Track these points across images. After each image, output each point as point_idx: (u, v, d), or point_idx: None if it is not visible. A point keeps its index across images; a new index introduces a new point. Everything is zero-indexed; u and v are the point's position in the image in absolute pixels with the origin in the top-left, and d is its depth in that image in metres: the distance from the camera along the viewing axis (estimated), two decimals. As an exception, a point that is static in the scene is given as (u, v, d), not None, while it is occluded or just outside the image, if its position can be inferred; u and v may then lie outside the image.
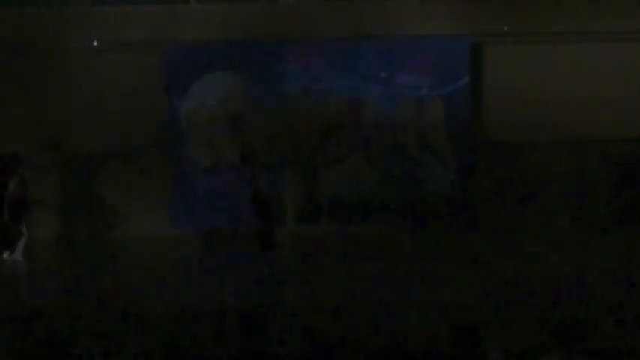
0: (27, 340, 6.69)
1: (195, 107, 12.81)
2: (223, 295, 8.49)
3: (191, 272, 10.34)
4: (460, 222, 12.61)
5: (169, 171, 12.80)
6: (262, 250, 10.47)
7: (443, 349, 6.32)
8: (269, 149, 12.80)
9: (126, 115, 12.63)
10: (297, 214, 12.71)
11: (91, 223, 12.59)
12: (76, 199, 12.79)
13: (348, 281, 9.38)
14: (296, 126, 12.78)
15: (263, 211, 10.61)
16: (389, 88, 12.79)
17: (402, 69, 12.79)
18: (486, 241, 11.79)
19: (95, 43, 12.79)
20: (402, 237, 12.08)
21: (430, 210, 12.68)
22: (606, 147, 12.90)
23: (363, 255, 10.99)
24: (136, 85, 12.64)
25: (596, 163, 12.90)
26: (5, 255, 10.85)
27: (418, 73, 12.79)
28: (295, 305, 7.97)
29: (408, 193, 12.76)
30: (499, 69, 12.89)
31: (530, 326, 7.00)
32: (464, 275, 9.51)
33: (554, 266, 9.96)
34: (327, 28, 12.76)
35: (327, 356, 6.26)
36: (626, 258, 10.40)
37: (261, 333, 6.76)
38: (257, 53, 12.71)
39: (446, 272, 9.73)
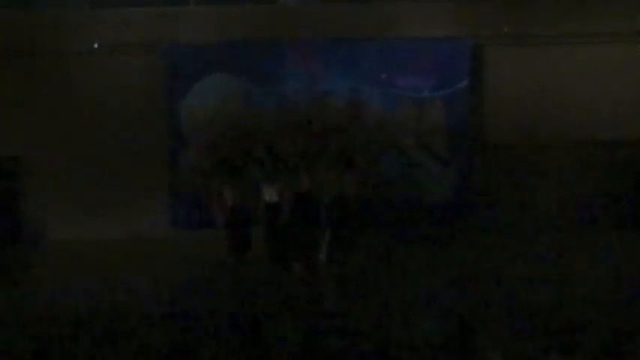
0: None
1: (196, 109, 12.80)
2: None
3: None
4: (459, 223, 12.61)
5: (170, 171, 12.82)
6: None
7: (442, 350, 6.33)
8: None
9: (125, 117, 12.71)
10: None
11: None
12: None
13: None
14: (295, 127, 12.76)
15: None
16: (389, 89, 12.78)
17: (402, 71, 12.79)
18: (485, 241, 11.79)
19: (95, 46, 12.80)
20: (401, 239, 12.08)
21: (430, 211, 12.70)
22: (607, 148, 12.89)
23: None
24: (136, 86, 12.70)
25: (596, 164, 12.89)
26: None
27: (418, 75, 12.78)
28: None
29: (407, 194, 12.78)
30: (499, 70, 12.89)
31: (529, 327, 7.01)
32: (463, 276, 9.51)
33: (553, 267, 9.96)
34: (326, 30, 12.77)
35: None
36: (626, 259, 10.42)
37: None
38: (257, 54, 12.72)
39: (445, 273, 9.73)
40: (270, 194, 10.30)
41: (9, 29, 12.68)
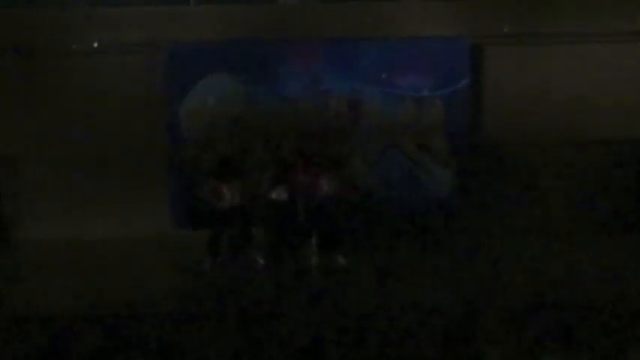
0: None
1: (196, 108, 12.79)
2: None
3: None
4: (459, 224, 12.59)
5: (169, 172, 12.80)
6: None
7: (441, 349, 6.33)
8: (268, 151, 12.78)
9: (125, 117, 12.70)
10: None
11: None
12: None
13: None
14: (296, 127, 12.74)
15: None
16: (389, 89, 12.77)
17: (402, 70, 12.77)
18: (485, 242, 11.79)
19: (95, 45, 12.80)
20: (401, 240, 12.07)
21: (429, 211, 12.67)
22: (608, 147, 12.88)
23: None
24: (135, 86, 12.69)
25: (596, 164, 12.88)
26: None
27: (418, 75, 12.77)
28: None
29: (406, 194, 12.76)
30: (499, 70, 12.89)
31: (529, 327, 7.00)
32: (463, 276, 9.52)
33: (554, 268, 9.97)
34: (326, 29, 12.76)
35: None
36: (626, 260, 10.42)
37: None
38: (257, 54, 12.71)
39: (445, 273, 9.74)
40: (277, 192, 10.36)
41: (6, 27, 12.68)
